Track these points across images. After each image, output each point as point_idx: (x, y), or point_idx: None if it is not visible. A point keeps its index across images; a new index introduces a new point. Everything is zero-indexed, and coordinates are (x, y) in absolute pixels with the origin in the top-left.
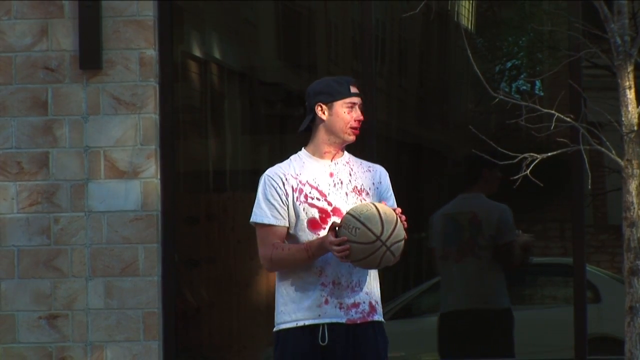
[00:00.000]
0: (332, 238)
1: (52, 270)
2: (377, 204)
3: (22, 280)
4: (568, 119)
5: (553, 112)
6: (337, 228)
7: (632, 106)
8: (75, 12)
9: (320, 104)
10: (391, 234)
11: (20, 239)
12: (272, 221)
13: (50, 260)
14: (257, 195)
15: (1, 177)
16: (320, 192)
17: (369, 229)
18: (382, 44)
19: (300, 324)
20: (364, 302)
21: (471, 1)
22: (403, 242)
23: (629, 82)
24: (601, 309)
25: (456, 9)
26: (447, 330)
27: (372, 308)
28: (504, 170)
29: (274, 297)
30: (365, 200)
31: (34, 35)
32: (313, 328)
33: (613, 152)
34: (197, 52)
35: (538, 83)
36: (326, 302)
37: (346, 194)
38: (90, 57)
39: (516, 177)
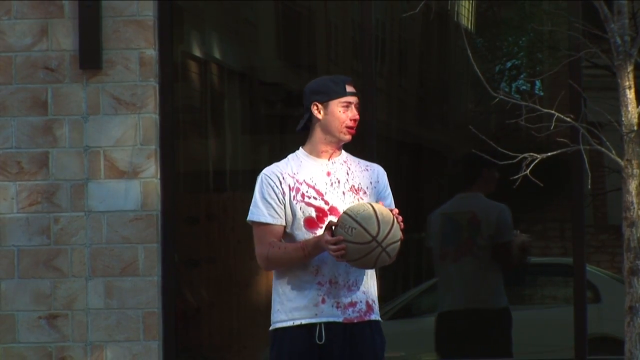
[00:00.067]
0: (328, 237)
1: (52, 270)
2: (374, 204)
3: (22, 280)
4: (568, 119)
5: (553, 112)
6: (333, 227)
7: (632, 106)
8: (75, 12)
9: (316, 103)
10: (387, 234)
11: (20, 239)
12: (269, 220)
13: (50, 260)
14: (254, 194)
15: (1, 177)
16: (317, 191)
17: (365, 229)
18: (382, 44)
19: (297, 322)
20: (361, 302)
21: (471, 1)
22: (399, 243)
23: (629, 82)
24: (601, 309)
25: (456, 9)
26: (444, 330)
27: (369, 307)
28: (504, 170)
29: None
30: (362, 199)
31: (34, 35)
32: (310, 327)
33: (613, 152)
34: (197, 52)
35: (538, 83)
36: (323, 301)
37: (343, 193)
38: (90, 57)
39: (516, 177)
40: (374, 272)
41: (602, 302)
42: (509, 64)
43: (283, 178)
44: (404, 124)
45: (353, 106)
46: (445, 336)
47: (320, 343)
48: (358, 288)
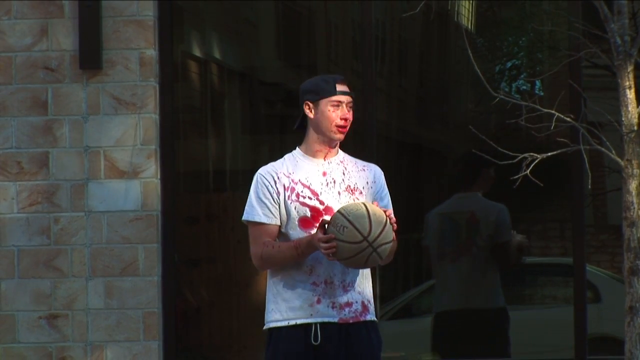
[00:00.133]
0: (320, 235)
1: (52, 270)
2: (368, 204)
3: (22, 280)
4: (568, 119)
5: (553, 112)
6: (326, 225)
7: (632, 106)
8: (75, 12)
9: (307, 102)
10: (379, 235)
11: (20, 239)
12: (264, 219)
13: (50, 260)
14: (249, 194)
15: (1, 177)
16: (312, 191)
17: (357, 229)
18: (382, 44)
19: (292, 322)
20: (356, 302)
21: (471, 1)
22: (391, 244)
23: (629, 82)
24: (601, 309)
25: (456, 9)
26: (442, 330)
27: (365, 307)
28: (504, 170)
29: None
30: (358, 199)
31: (34, 35)
32: (306, 327)
33: (613, 152)
34: (197, 52)
35: (538, 83)
36: (318, 301)
37: (339, 193)
38: (90, 57)
39: (516, 177)
40: (369, 273)
41: (602, 302)
42: (509, 64)
43: (278, 178)
44: (404, 124)
45: (344, 105)
46: (442, 336)
47: (315, 344)
48: (354, 288)
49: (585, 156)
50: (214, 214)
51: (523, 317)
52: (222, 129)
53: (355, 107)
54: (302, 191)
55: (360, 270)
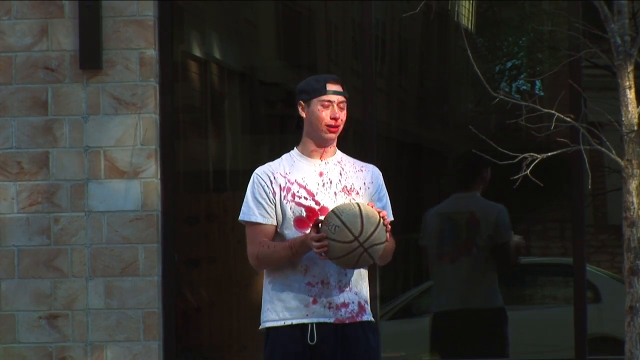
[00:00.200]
0: (312, 234)
1: (52, 270)
2: (362, 205)
3: (22, 280)
4: (568, 119)
5: (553, 112)
6: (319, 224)
7: (632, 106)
8: (75, 12)
9: (300, 102)
10: (370, 236)
11: (20, 239)
12: (260, 219)
13: (50, 260)
14: (246, 194)
15: (1, 177)
16: (308, 192)
17: (348, 229)
18: (382, 44)
19: (288, 322)
20: (353, 302)
21: (471, 1)
22: (384, 245)
23: (629, 82)
24: (601, 309)
25: (456, 9)
26: (440, 330)
27: (361, 308)
28: (504, 170)
29: None
30: (355, 200)
31: (34, 35)
32: (302, 327)
33: (613, 152)
34: (197, 52)
35: (538, 83)
36: (314, 301)
37: (335, 193)
38: (90, 57)
39: (516, 177)
40: (367, 273)
41: (602, 302)
42: (509, 64)
43: (274, 177)
44: (404, 124)
45: (335, 105)
46: (441, 336)
47: (312, 344)
48: (350, 289)
49: (585, 156)
50: (214, 214)
51: (523, 317)
52: (222, 129)
53: (355, 107)
54: (298, 191)
55: (357, 271)
